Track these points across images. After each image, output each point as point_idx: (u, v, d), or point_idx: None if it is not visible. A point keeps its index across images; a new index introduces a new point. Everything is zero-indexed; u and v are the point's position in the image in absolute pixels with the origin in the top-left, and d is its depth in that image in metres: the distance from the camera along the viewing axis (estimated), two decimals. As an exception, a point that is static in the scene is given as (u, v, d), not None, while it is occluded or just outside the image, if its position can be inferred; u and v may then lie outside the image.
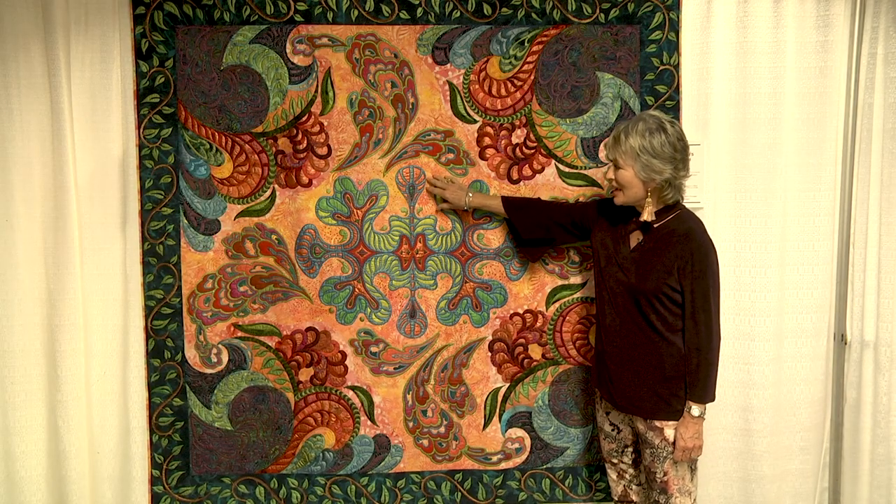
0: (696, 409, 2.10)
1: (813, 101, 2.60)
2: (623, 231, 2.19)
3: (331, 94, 2.42)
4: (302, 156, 2.44)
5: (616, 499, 2.36)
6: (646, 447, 2.18)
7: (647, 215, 2.10)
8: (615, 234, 2.21)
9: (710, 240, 2.11)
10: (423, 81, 2.42)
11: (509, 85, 2.43)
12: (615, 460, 2.33)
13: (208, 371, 2.48)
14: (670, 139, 2.06)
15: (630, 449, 2.30)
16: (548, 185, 2.46)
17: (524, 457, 2.54)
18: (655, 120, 2.08)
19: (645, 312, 2.12)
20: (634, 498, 2.33)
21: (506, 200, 2.38)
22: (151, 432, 2.48)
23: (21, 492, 2.58)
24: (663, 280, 2.08)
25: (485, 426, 2.53)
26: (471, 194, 2.40)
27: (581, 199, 2.46)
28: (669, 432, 2.13)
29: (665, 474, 2.15)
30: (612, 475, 2.36)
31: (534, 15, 2.41)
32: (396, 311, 2.49)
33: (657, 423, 2.14)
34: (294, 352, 2.49)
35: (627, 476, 2.32)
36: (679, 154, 2.07)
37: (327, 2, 2.39)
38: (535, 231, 2.35)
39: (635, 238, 2.17)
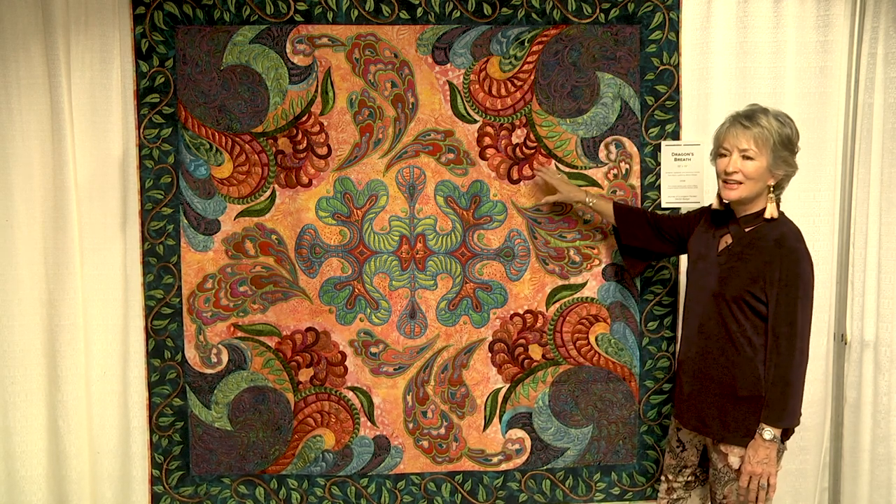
0: (767, 432, 1.94)
1: (813, 101, 2.59)
2: (715, 234, 2.10)
3: (331, 94, 2.42)
4: (302, 156, 2.43)
5: None
6: (710, 465, 2.11)
7: (771, 212, 1.99)
8: (707, 237, 2.12)
9: (806, 249, 1.97)
10: (423, 81, 2.42)
11: (509, 85, 2.43)
12: (670, 476, 2.24)
13: (208, 371, 2.48)
14: (794, 136, 1.99)
15: (688, 470, 2.21)
16: (548, 185, 2.47)
17: (524, 458, 2.54)
18: (776, 110, 2.00)
19: (725, 322, 2.00)
20: None
21: (616, 205, 2.35)
22: (151, 432, 2.48)
23: (21, 491, 2.57)
24: (746, 287, 1.96)
25: (485, 427, 2.53)
26: (593, 197, 2.35)
27: (687, 212, 2.39)
28: (734, 459, 2.01)
29: (725, 498, 2.06)
30: (663, 487, 2.27)
31: (534, 15, 2.41)
32: (396, 311, 2.48)
33: (723, 448, 2.03)
34: (294, 352, 2.49)
35: (674, 495, 2.24)
36: (794, 153, 2.01)
37: (327, 2, 2.39)
38: (633, 238, 2.31)
39: (724, 242, 2.07)
